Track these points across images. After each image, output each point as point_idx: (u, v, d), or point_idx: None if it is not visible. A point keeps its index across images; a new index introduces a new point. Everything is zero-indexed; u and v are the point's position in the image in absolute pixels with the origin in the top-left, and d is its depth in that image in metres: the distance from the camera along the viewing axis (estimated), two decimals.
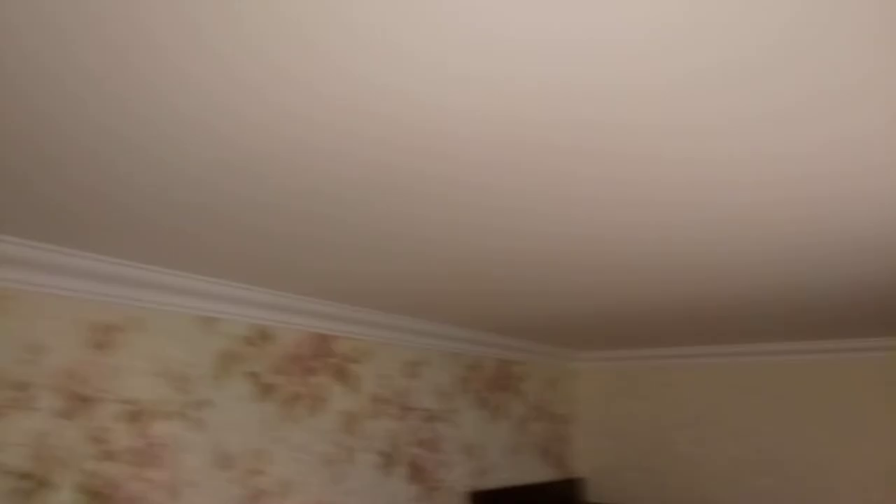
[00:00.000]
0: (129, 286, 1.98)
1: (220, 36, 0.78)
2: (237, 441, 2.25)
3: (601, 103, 0.94)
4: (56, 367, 1.83)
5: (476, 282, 2.14)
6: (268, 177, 1.26)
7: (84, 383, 1.88)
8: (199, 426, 2.14)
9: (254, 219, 1.51)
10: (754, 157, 1.12)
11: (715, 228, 1.54)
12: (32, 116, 1.01)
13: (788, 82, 0.87)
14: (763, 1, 0.70)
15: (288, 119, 1.00)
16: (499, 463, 3.49)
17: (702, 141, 1.06)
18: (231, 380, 2.27)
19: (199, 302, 2.18)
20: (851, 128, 1.00)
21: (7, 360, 1.73)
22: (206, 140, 1.09)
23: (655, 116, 0.97)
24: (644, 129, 1.02)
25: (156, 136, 1.08)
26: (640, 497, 4.00)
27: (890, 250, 1.69)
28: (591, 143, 1.08)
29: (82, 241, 1.70)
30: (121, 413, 1.94)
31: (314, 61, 0.83)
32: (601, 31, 0.76)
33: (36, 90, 0.92)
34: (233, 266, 1.97)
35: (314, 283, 2.18)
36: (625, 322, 2.94)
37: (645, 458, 4.01)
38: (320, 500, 2.49)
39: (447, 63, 0.83)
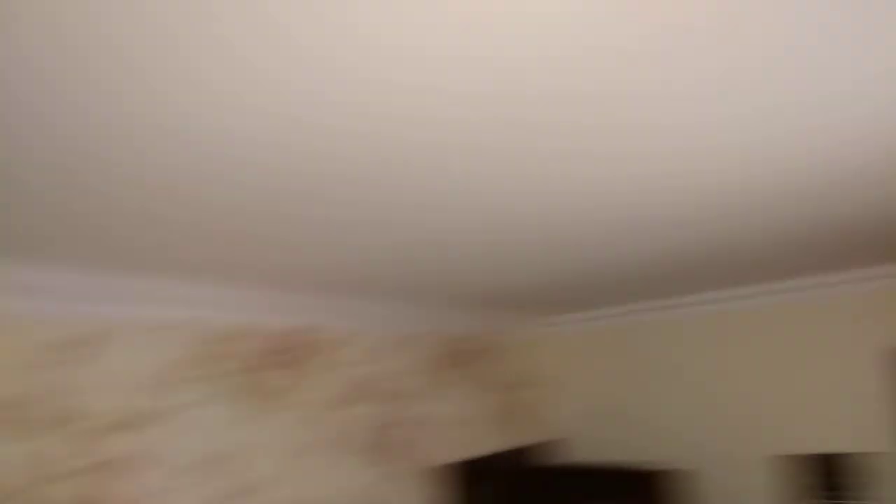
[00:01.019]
0: (92, 300, 1.93)
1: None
2: (213, 441, 2.26)
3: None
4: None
5: (428, 259, 2.19)
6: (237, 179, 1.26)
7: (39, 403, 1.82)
8: (169, 431, 2.13)
9: (202, 217, 1.51)
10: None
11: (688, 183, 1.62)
12: (36, 127, 1.00)
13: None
14: None
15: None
16: (467, 435, 3.54)
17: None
18: (200, 382, 2.25)
19: (164, 308, 2.16)
20: None
21: None
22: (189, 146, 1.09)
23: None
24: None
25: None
26: (613, 454, 4.10)
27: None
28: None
29: (40, 254, 1.65)
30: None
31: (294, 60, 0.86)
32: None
33: (37, 95, 0.91)
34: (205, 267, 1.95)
35: (274, 276, 2.17)
36: (589, 282, 3.01)
37: (614, 417, 4.11)
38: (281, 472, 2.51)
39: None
